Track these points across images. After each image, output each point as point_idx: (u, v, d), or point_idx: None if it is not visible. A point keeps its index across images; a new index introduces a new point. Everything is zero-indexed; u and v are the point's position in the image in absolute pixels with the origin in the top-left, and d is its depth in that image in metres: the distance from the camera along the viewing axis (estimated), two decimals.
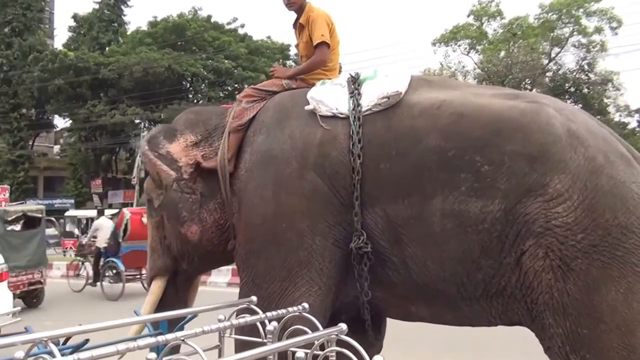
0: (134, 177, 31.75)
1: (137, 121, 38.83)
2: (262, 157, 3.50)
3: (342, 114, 3.36)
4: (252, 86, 3.96)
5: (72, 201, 41.00)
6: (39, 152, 46.43)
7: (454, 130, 3.09)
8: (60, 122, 46.61)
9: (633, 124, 39.98)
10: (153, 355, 2.03)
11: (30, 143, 45.24)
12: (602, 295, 2.81)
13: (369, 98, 3.35)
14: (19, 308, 8.18)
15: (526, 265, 2.92)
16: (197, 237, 3.67)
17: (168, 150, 3.76)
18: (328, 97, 3.47)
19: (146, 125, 39.34)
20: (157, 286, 3.90)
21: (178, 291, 3.99)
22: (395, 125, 3.23)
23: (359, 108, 3.32)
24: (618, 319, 2.80)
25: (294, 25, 4.19)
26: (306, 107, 3.46)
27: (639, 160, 3.10)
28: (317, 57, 3.93)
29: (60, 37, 62.20)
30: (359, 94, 3.41)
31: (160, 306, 3.84)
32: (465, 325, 3.38)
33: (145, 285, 10.69)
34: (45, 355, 1.95)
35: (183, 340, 2.13)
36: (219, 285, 13.97)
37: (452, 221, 3.02)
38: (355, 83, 3.51)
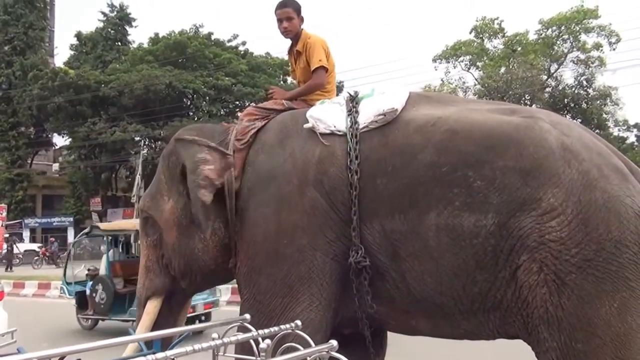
0: (133, 195, 31.77)
1: (137, 139, 38.95)
2: (264, 175, 3.53)
3: (339, 131, 3.41)
4: (253, 105, 4.06)
5: (71, 219, 41.08)
6: (37, 171, 46.61)
7: (447, 147, 3.12)
8: (60, 141, 46.94)
9: (632, 139, 40.82)
10: None
11: (29, 161, 45.43)
12: (596, 309, 2.83)
13: (366, 115, 3.40)
14: (15, 329, 8.11)
15: (521, 279, 2.94)
16: (202, 256, 3.68)
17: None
18: (326, 115, 3.52)
19: (146, 142, 39.48)
20: (154, 306, 3.86)
21: (172, 311, 3.97)
22: (391, 141, 3.27)
23: (356, 125, 3.37)
24: (612, 333, 2.82)
25: (289, 51, 4.29)
26: (305, 125, 3.51)
27: (637, 174, 3.12)
28: (315, 81, 4.03)
29: (61, 55, 62.64)
30: (357, 111, 3.45)
31: (154, 327, 3.79)
32: (464, 339, 3.40)
33: None
34: None
35: (173, 359, 2.11)
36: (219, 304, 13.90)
37: (447, 235, 3.06)
38: (353, 101, 3.56)
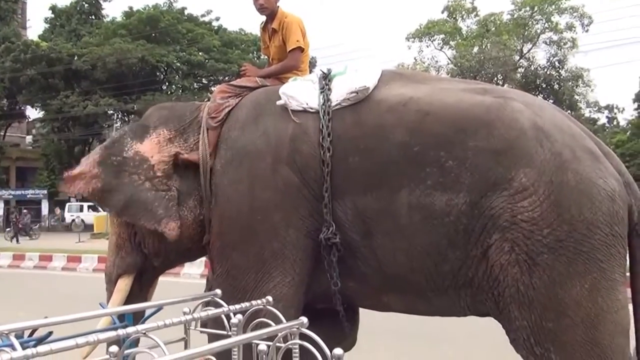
0: None
1: (110, 112, 38.35)
2: (238, 152, 3.50)
3: (312, 108, 3.39)
4: (226, 83, 3.97)
5: (45, 192, 40.43)
6: (10, 143, 45.63)
7: (419, 128, 3.12)
8: (33, 113, 45.96)
9: (602, 120, 41.58)
10: (115, 348, 2.00)
11: (2, 133, 44.47)
12: (567, 290, 2.84)
13: (339, 93, 3.38)
14: None
15: (492, 258, 2.95)
16: (176, 234, 3.58)
17: (137, 151, 3.67)
18: (299, 92, 3.49)
19: (119, 116, 38.95)
20: (125, 284, 3.79)
21: (142, 289, 3.92)
22: (364, 120, 3.27)
23: (329, 103, 3.35)
24: (582, 313, 2.83)
25: (264, 28, 4.22)
26: (277, 102, 3.48)
27: (609, 156, 3.13)
28: (291, 61, 3.99)
29: (35, 28, 61.25)
30: (329, 89, 3.43)
31: (125, 304, 3.70)
32: (437, 315, 3.43)
33: None
34: (6, 348, 1.93)
35: (144, 333, 2.13)
36: (192, 276, 13.86)
37: (418, 213, 3.06)
38: (325, 79, 3.54)
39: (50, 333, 2.71)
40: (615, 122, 42.64)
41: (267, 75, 4.01)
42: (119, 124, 37.12)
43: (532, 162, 2.92)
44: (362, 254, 3.25)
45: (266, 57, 4.39)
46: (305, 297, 3.43)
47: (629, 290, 3.06)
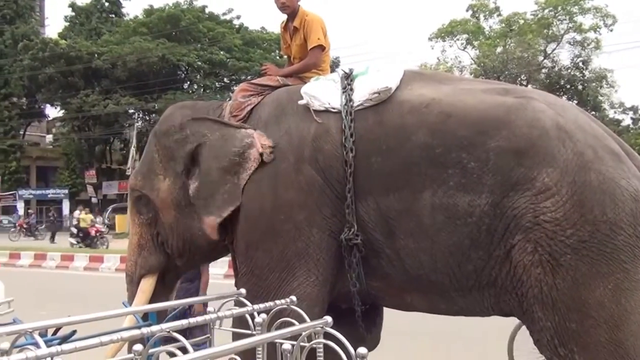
0: (129, 168, 31.67)
1: (130, 111, 38.72)
2: None
3: (334, 108, 3.43)
4: (247, 81, 4.01)
5: (66, 191, 40.93)
6: (30, 142, 46.29)
7: (441, 129, 3.16)
8: (52, 112, 46.61)
9: (627, 121, 40.88)
10: (139, 346, 2.04)
11: (22, 132, 45.10)
12: (590, 290, 2.85)
13: (361, 93, 3.42)
14: (12, 298, 8.19)
15: (516, 258, 2.98)
16: (203, 235, 3.66)
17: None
18: (321, 92, 3.53)
19: (140, 115, 39.30)
20: (149, 284, 3.83)
21: (165, 288, 3.96)
22: (386, 120, 3.30)
23: (351, 103, 3.39)
24: (605, 314, 2.84)
25: (285, 27, 4.26)
26: (299, 102, 3.53)
27: (632, 157, 3.15)
28: (312, 59, 4.03)
29: (54, 26, 62.12)
30: (351, 89, 3.47)
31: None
32: (460, 315, 3.46)
33: None
34: (31, 346, 1.97)
35: (169, 331, 2.16)
36: (216, 277, 13.92)
37: (441, 214, 3.10)
38: (347, 79, 3.57)
39: (74, 332, 2.76)
40: None
41: (289, 74, 4.05)
42: (139, 123, 37.41)
43: (554, 162, 2.95)
44: (385, 254, 3.28)
45: (287, 56, 4.43)
46: (329, 297, 3.47)
47: None
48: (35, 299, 10.50)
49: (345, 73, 3.66)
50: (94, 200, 38.82)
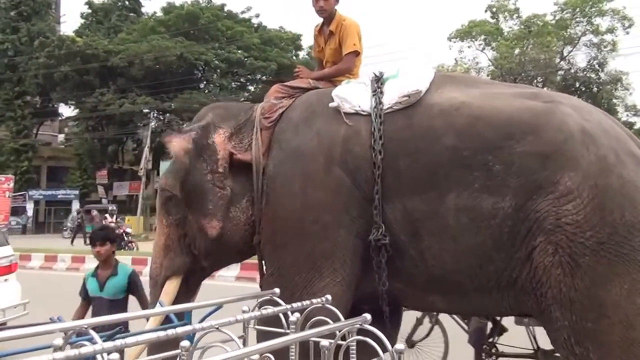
0: (141, 168, 31.96)
1: (145, 111, 39.02)
2: (291, 153, 3.68)
3: (364, 111, 3.57)
4: (280, 83, 4.13)
5: (77, 192, 41.29)
6: (42, 141, 46.71)
7: (469, 132, 3.31)
8: (66, 111, 47.08)
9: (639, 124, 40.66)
10: (187, 342, 2.11)
11: (34, 132, 45.54)
12: (607, 291, 3.02)
13: (391, 96, 3.56)
14: (27, 300, 8.29)
15: (536, 260, 3.13)
16: (216, 233, 3.78)
17: (214, 141, 3.86)
18: (351, 94, 3.67)
19: (155, 114, 39.56)
20: (173, 286, 3.94)
21: (189, 291, 4.05)
22: (415, 123, 3.44)
23: (381, 106, 3.54)
24: (621, 313, 3.01)
25: (320, 30, 4.40)
26: (330, 104, 3.66)
27: None
28: (345, 64, 4.20)
29: (70, 23, 62.97)
30: (382, 92, 3.62)
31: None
32: (480, 315, 3.65)
33: None
34: (86, 342, 2.03)
35: (217, 328, 2.24)
36: (227, 279, 14.11)
37: (465, 216, 3.25)
38: (378, 82, 3.72)
39: (121, 329, 2.85)
40: None
41: (321, 78, 4.20)
42: (154, 122, 37.63)
43: (578, 166, 3.11)
44: (409, 255, 3.42)
45: (318, 60, 4.55)
46: (352, 297, 3.57)
47: None
48: (49, 301, 10.64)
49: (376, 76, 3.83)
50: (104, 201, 39.07)
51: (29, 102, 43.82)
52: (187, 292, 4.03)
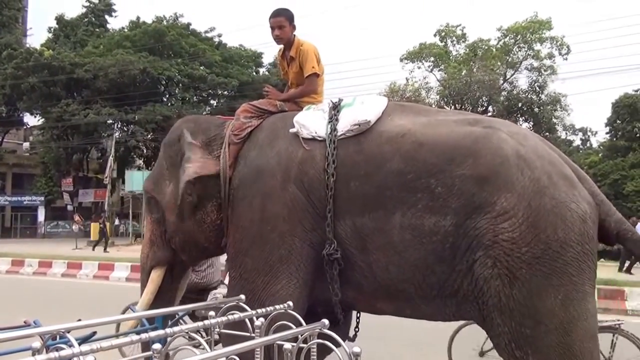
0: (106, 177, 31.59)
1: (110, 122, 38.46)
2: (253, 169, 3.90)
3: (320, 137, 3.76)
4: (249, 103, 4.33)
5: (42, 198, 40.44)
6: (8, 149, 45.62)
7: (413, 157, 3.47)
8: (31, 120, 45.97)
9: (577, 142, 44.17)
10: (158, 345, 2.17)
11: (0, 140, 44.49)
12: (543, 300, 3.16)
13: (344, 124, 3.74)
14: None
15: (477, 272, 3.27)
16: (185, 232, 4.12)
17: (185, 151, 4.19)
18: (310, 121, 3.86)
19: (119, 125, 39.10)
20: (157, 275, 4.29)
21: (173, 280, 4.41)
22: (366, 149, 3.62)
23: (335, 132, 3.72)
24: (556, 321, 3.16)
25: (282, 55, 4.60)
26: (290, 130, 3.88)
27: (584, 181, 3.50)
28: (308, 87, 4.39)
29: (37, 37, 61.83)
30: (337, 119, 3.80)
31: (158, 294, 4.26)
32: (424, 319, 3.79)
33: None
34: (63, 345, 2.10)
35: (187, 332, 2.39)
36: (120, 280, 15.40)
37: (409, 233, 3.42)
38: (335, 109, 3.91)
39: (94, 333, 2.94)
40: (588, 144, 44.94)
41: (287, 99, 4.39)
42: (118, 133, 37.24)
43: (513, 188, 3.26)
44: (359, 266, 3.61)
45: (285, 81, 4.74)
46: (309, 300, 3.79)
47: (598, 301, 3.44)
48: (14, 306, 10.47)
49: (334, 103, 3.99)
50: (69, 207, 38.45)
51: None
52: (171, 282, 4.39)
